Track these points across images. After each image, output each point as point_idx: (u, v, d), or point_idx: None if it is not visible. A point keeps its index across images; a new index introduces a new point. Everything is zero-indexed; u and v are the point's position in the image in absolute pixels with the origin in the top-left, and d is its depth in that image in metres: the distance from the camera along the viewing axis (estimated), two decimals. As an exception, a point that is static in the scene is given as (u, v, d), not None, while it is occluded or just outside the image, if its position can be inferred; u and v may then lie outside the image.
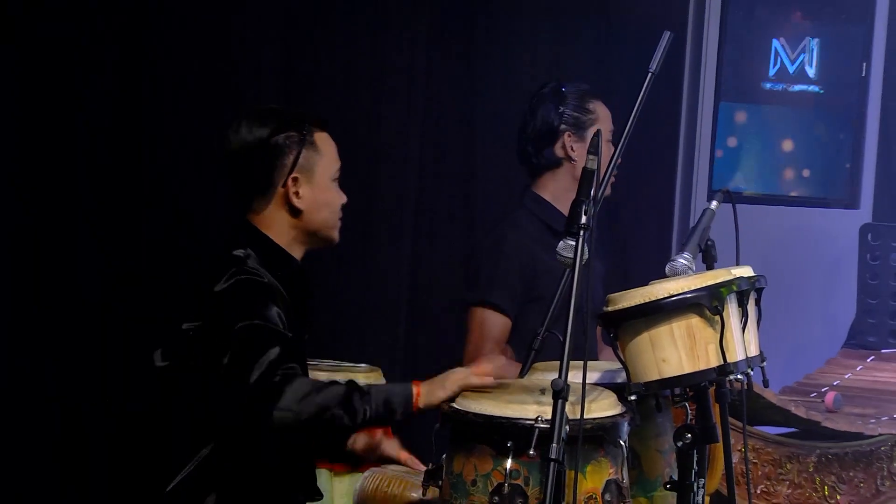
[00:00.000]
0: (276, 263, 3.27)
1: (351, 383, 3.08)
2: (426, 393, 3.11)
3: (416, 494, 3.52)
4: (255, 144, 3.27)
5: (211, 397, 3.17)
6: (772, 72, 5.41)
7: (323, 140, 3.32)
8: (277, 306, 3.16)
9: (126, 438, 4.50)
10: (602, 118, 4.14)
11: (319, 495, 3.45)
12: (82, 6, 4.56)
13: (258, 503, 3.27)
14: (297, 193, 3.27)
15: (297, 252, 3.33)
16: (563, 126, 4.14)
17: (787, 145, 5.42)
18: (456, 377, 3.12)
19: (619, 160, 3.51)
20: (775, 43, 5.41)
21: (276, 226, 3.29)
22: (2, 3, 4.44)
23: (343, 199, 3.36)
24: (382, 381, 4.02)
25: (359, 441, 3.44)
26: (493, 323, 4.06)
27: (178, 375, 3.25)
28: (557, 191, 4.15)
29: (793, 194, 5.42)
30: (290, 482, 3.34)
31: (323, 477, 3.81)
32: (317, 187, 3.29)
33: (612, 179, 3.76)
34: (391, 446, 3.43)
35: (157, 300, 4.35)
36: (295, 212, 3.28)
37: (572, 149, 4.14)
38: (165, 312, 3.40)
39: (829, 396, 3.97)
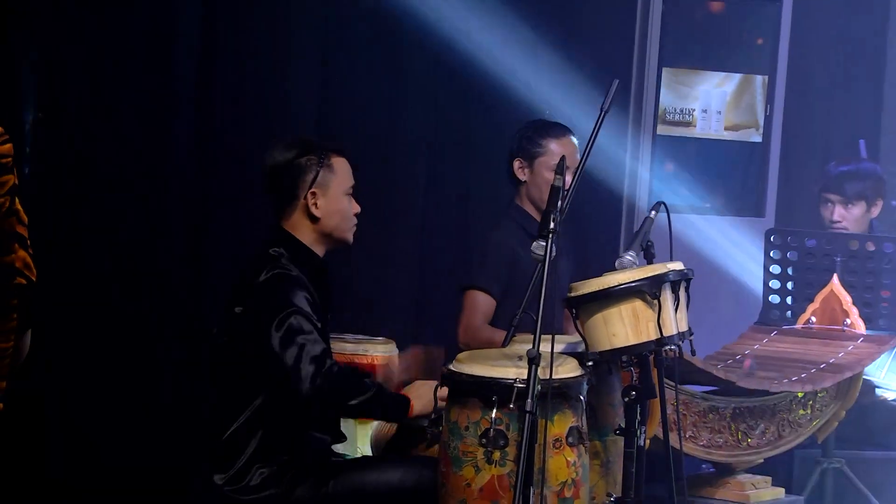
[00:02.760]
0: (303, 259, 3.29)
1: (378, 389, 3.22)
2: (417, 406, 3.25)
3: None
4: (284, 165, 3.30)
5: (260, 362, 3.18)
6: (698, 112, 5.40)
7: (338, 163, 3.33)
8: (305, 292, 3.19)
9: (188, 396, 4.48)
10: (555, 152, 4.03)
11: (343, 438, 3.45)
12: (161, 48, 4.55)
13: (294, 442, 3.27)
14: (315, 204, 3.29)
15: (319, 251, 3.35)
16: (517, 153, 4.13)
17: (710, 167, 5.42)
18: (426, 397, 3.25)
19: (578, 181, 3.50)
20: (700, 89, 5.41)
21: (301, 229, 3.31)
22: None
23: (356, 209, 3.37)
24: (396, 351, 4.01)
25: None
26: (482, 302, 4.06)
27: (233, 346, 3.25)
28: (528, 204, 4.15)
29: (705, 205, 5.42)
30: (321, 426, 3.35)
31: (349, 423, 3.81)
32: (331, 199, 3.31)
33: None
34: None
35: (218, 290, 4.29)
36: (314, 218, 3.30)
37: (522, 172, 4.13)
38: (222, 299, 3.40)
39: (747, 363, 3.97)
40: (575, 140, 4.12)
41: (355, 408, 3.21)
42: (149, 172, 4.50)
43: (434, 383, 3.26)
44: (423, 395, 3.26)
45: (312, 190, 3.29)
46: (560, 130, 4.14)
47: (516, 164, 4.13)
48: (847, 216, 4.63)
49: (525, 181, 4.12)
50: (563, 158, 3.22)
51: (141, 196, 4.48)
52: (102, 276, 4.36)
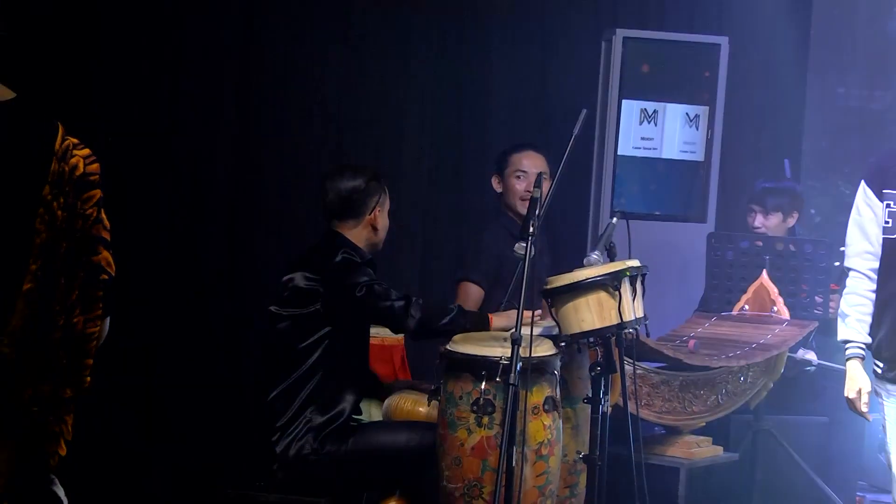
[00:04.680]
0: (355, 253, 3.34)
1: (459, 308, 3.31)
2: (496, 322, 3.29)
3: (422, 409, 3.52)
4: (355, 188, 3.37)
5: (321, 326, 3.25)
6: (652, 135, 5.38)
7: (387, 190, 3.44)
8: (370, 270, 3.30)
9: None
10: (515, 162, 4.10)
11: (360, 411, 3.47)
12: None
13: (332, 399, 3.29)
14: (377, 219, 3.38)
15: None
16: (493, 172, 4.18)
17: (662, 181, 5.41)
18: (512, 316, 3.22)
19: (552, 193, 3.50)
20: (653, 117, 5.38)
21: (356, 235, 3.39)
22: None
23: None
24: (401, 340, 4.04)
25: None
26: (473, 292, 4.06)
27: (295, 317, 3.28)
28: (506, 211, 4.17)
29: (657, 213, 5.40)
30: (352, 384, 3.36)
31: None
32: (383, 216, 3.41)
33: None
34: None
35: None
36: (375, 230, 3.39)
37: (499, 186, 4.16)
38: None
39: (691, 343, 3.97)
40: (536, 153, 4.15)
41: (447, 326, 3.25)
42: (192, 186, 4.50)
43: (514, 312, 3.27)
44: (504, 315, 3.32)
45: (378, 207, 3.38)
46: (521, 147, 4.19)
47: (494, 180, 4.19)
48: (766, 223, 4.65)
49: (501, 192, 4.16)
50: (539, 174, 3.23)
51: (184, 209, 4.47)
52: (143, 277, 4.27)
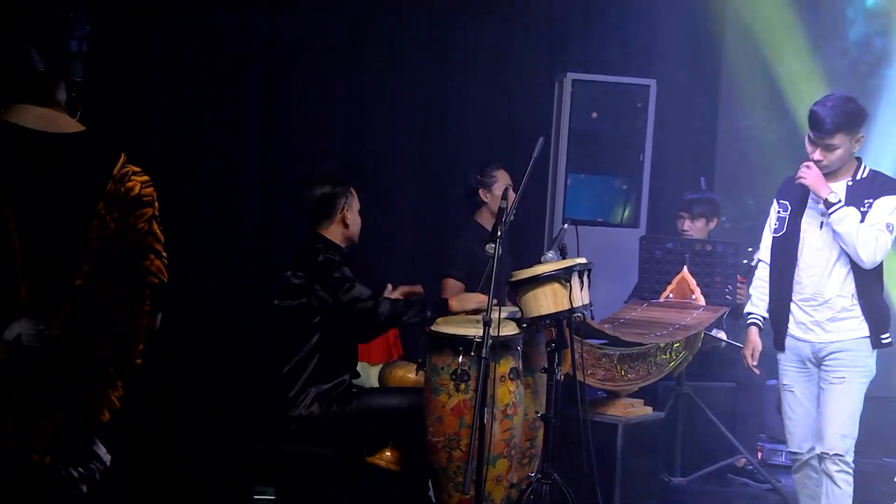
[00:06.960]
0: (335, 251, 3.30)
1: (420, 301, 3.25)
2: (454, 305, 3.25)
3: (412, 375, 3.50)
4: (325, 193, 3.34)
5: (314, 315, 3.21)
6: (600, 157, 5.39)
7: (354, 192, 3.41)
8: (347, 268, 3.25)
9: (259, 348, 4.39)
10: (501, 178, 4.13)
11: (359, 375, 3.44)
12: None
13: (331, 371, 3.26)
14: (346, 217, 3.33)
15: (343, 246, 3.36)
16: (479, 185, 4.14)
17: (605, 193, 5.40)
18: (467, 297, 3.26)
19: (516, 204, 3.49)
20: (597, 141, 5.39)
21: (333, 233, 3.34)
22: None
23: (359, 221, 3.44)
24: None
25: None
26: (453, 285, 4.04)
27: (293, 308, 3.25)
28: (484, 218, 4.16)
29: (600, 220, 5.39)
30: (348, 361, 3.34)
31: (363, 365, 3.79)
32: (353, 213, 3.37)
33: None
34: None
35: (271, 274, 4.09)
36: (346, 225, 3.34)
37: (486, 196, 4.14)
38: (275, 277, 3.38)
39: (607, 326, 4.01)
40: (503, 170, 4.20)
41: (413, 319, 3.21)
42: (222, 195, 4.43)
43: (475, 294, 3.29)
44: (462, 299, 3.28)
45: (345, 207, 3.34)
46: (499, 166, 4.21)
47: (481, 192, 4.17)
48: (693, 227, 4.67)
49: (487, 202, 4.15)
50: (507, 188, 3.22)
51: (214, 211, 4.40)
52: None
